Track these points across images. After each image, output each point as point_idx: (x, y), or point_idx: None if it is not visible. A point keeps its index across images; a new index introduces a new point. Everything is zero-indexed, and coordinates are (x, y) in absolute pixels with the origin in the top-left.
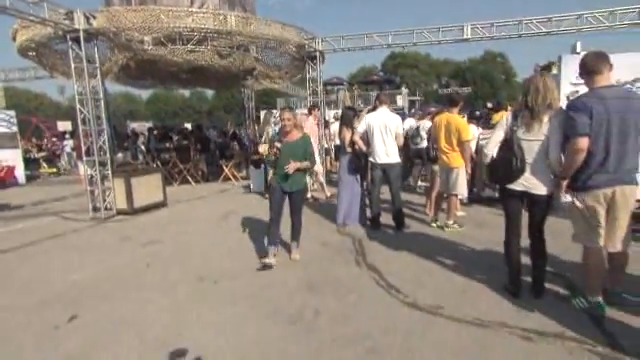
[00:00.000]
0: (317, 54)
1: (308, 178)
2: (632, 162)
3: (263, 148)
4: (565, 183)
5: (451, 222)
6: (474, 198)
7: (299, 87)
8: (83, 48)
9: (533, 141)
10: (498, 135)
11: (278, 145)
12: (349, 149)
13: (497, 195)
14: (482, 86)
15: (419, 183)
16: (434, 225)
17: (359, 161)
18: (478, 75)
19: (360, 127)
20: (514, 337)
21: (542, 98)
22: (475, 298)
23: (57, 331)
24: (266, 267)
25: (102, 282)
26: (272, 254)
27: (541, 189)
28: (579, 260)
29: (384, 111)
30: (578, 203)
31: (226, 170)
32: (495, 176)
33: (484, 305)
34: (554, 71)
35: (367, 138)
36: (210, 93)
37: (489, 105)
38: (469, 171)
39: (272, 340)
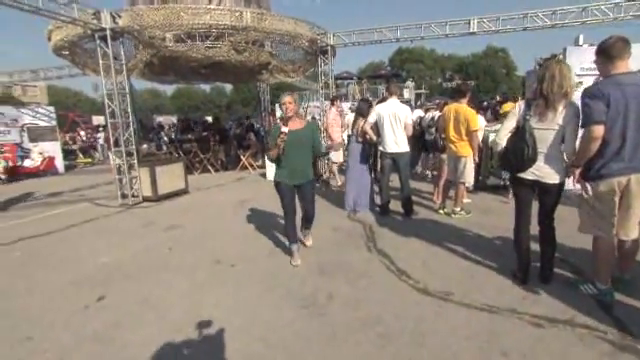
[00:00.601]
0: (328, 48)
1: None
2: None
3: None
4: (578, 172)
5: (458, 209)
6: (479, 186)
7: (311, 81)
8: (110, 46)
9: (546, 130)
10: (510, 123)
11: (285, 130)
12: (360, 139)
13: (502, 183)
14: (484, 80)
15: (427, 172)
16: (441, 212)
17: (369, 150)
18: (480, 69)
19: (370, 117)
20: (524, 323)
21: (558, 86)
22: (484, 284)
23: (87, 310)
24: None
25: (128, 264)
26: (296, 253)
27: (553, 178)
28: (583, 246)
29: (394, 101)
30: (589, 193)
31: (243, 159)
32: (507, 164)
33: (493, 291)
34: None
35: (377, 128)
36: (229, 88)
37: (498, 98)
38: (477, 160)
39: (286, 322)
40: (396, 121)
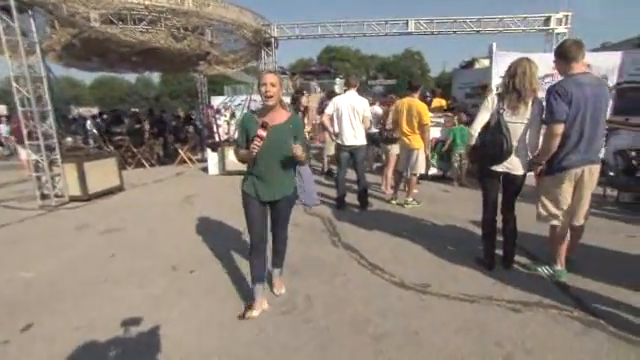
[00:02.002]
0: (272, 40)
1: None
2: (599, 143)
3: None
4: (540, 168)
5: (410, 199)
6: (422, 176)
7: (247, 74)
8: (16, 20)
9: (517, 124)
10: (484, 117)
11: (261, 132)
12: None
13: (442, 174)
14: (403, 79)
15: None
16: (393, 203)
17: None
18: (400, 70)
19: (328, 109)
20: (504, 309)
21: (529, 81)
22: (455, 273)
23: (7, 347)
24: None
25: (60, 279)
26: (260, 299)
27: (520, 169)
28: (536, 233)
29: (352, 94)
30: (550, 183)
31: (182, 153)
32: (484, 157)
33: (465, 280)
34: (477, 66)
35: (335, 120)
36: (157, 79)
37: (427, 94)
38: (427, 152)
39: (269, 335)
40: (354, 114)
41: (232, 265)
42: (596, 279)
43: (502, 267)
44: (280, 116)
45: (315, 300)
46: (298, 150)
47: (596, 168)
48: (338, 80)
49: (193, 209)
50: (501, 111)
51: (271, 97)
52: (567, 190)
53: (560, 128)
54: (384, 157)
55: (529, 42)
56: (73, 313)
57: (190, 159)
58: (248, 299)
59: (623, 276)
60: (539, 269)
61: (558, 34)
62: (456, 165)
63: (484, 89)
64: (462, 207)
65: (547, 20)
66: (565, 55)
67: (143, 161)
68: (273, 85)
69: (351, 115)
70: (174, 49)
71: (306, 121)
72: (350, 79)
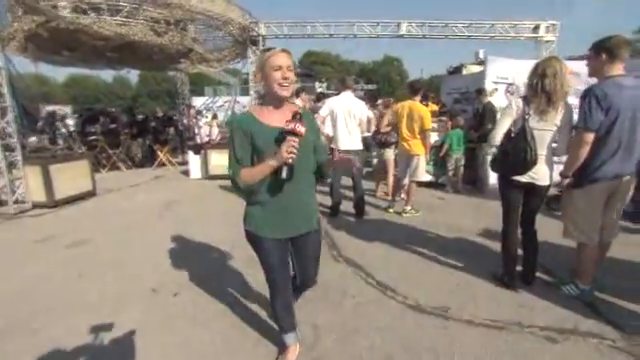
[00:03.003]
0: (260, 38)
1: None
2: (637, 152)
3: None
4: (567, 181)
5: (409, 208)
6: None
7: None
8: None
9: (545, 130)
10: (506, 122)
11: (301, 129)
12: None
13: (434, 180)
14: (383, 85)
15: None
16: (391, 211)
17: None
18: (380, 75)
19: (322, 111)
20: (539, 338)
21: (560, 83)
22: (473, 293)
23: None
24: None
25: (13, 306)
26: (294, 346)
27: (546, 180)
28: (552, 248)
29: (348, 96)
30: (582, 198)
31: (161, 155)
32: (504, 168)
33: (486, 300)
34: (464, 72)
35: (330, 124)
36: (134, 79)
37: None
38: (428, 158)
39: None
40: (350, 117)
41: (223, 286)
42: (624, 297)
43: (521, 284)
44: (289, 111)
45: (323, 331)
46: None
47: (632, 180)
48: (318, 84)
49: (174, 217)
50: (527, 117)
51: (287, 87)
52: (600, 204)
53: (591, 137)
54: (374, 162)
55: (517, 49)
56: (28, 350)
57: (170, 162)
58: (246, 330)
59: None
60: (564, 288)
61: (547, 42)
62: (452, 171)
63: (480, 93)
64: (463, 215)
65: (536, 28)
66: (613, 51)
67: (119, 163)
68: (290, 69)
69: (347, 118)
70: (154, 44)
71: None
72: (346, 80)
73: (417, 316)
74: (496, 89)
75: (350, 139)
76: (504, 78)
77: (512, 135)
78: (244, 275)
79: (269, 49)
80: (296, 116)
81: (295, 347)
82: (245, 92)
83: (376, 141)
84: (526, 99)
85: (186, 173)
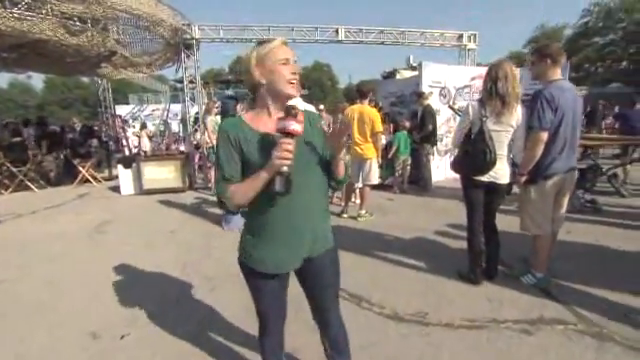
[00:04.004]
0: (194, 42)
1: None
2: (576, 148)
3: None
4: (524, 178)
5: (363, 212)
6: None
7: (157, 81)
8: None
9: (502, 132)
10: (464, 125)
11: (297, 127)
12: None
13: (380, 181)
14: (315, 90)
15: None
16: (345, 216)
17: None
18: (311, 80)
19: None
20: (515, 332)
21: (512, 86)
22: (444, 293)
23: None
24: None
25: None
26: None
27: (506, 179)
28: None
29: (297, 100)
30: (536, 193)
31: (83, 171)
32: (465, 168)
33: (459, 300)
34: (397, 76)
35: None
36: (40, 86)
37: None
38: (379, 161)
39: None
40: None
41: (182, 317)
42: (571, 279)
43: (485, 278)
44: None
45: (305, 355)
46: (340, 164)
47: (575, 174)
48: None
49: (108, 242)
50: (484, 119)
51: (296, 84)
52: (552, 198)
53: (545, 135)
54: None
55: (445, 56)
56: None
57: (95, 177)
58: None
59: (590, 273)
60: (523, 278)
61: (469, 50)
62: (399, 172)
63: (420, 96)
64: (415, 215)
65: (460, 37)
66: (554, 57)
67: (28, 183)
68: (295, 61)
69: None
70: (68, 45)
71: None
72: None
73: (398, 326)
74: (431, 92)
75: None
76: (438, 82)
77: (471, 137)
78: (204, 300)
79: (263, 41)
80: (290, 111)
81: None
82: (175, 99)
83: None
84: (482, 102)
85: (116, 189)
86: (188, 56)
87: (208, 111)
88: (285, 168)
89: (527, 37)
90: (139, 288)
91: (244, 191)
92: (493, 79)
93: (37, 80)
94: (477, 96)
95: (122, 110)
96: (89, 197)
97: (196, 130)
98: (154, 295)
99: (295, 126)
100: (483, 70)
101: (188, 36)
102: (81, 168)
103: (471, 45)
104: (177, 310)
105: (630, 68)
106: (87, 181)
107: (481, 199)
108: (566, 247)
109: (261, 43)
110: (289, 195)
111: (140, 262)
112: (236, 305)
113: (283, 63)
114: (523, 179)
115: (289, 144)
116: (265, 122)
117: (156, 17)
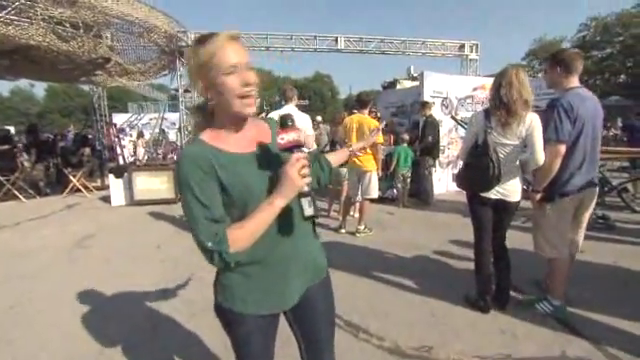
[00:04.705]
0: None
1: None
2: (597, 163)
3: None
4: (539, 196)
5: (362, 227)
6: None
7: (157, 89)
8: None
9: (508, 144)
10: (470, 137)
11: (304, 155)
12: None
13: (384, 194)
14: (315, 101)
15: None
16: (343, 232)
17: None
18: (312, 91)
19: None
20: None
21: (517, 92)
22: (450, 323)
23: None
24: None
25: None
26: None
27: (516, 196)
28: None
29: (291, 109)
30: (554, 212)
31: (74, 181)
32: (469, 184)
33: (467, 332)
34: (398, 86)
35: None
36: (42, 94)
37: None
38: (379, 173)
39: None
40: None
41: (154, 351)
42: (590, 308)
43: (497, 306)
44: (261, 131)
45: None
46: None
47: (596, 190)
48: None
49: (88, 258)
50: (488, 130)
51: (252, 97)
52: (569, 217)
53: (564, 148)
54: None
55: (446, 66)
56: None
57: (86, 187)
58: None
59: (613, 301)
60: (538, 306)
61: (471, 60)
62: (400, 186)
63: (424, 106)
64: (416, 231)
65: (462, 47)
66: (568, 65)
67: (15, 192)
68: (249, 67)
69: None
70: (60, 51)
71: None
72: (287, 91)
73: None
74: (433, 103)
75: None
76: (439, 92)
77: (475, 150)
78: (183, 327)
79: (203, 39)
80: (286, 121)
81: None
82: (174, 108)
83: None
84: (487, 112)
85: (107, 200)
86: (184, 64)
87: None
88: (307, 188)
89: (525, 50)
90: (113, 314)
91: (252, 231)
92: (496, 87)
93: (39, 88)
94: (479, 107)
95: (119, 118)
96: (78, 208)
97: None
98: (129, 322)
99: (292, 135)
100: (486, 80)
101: (184, 44)
102: (72, 177)
103: (473, 55)
104: (152, 342)
105: (629, 81)
106: (78, 191)
107: (489, 217)
108: (582, 269)
109: (200, 42)
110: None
111: (119, 282)
112: (216, 335)
113: (229, 72)
114: (538, 196)
115: (304, 158)
116: (237, 140)
117: (150, 23)
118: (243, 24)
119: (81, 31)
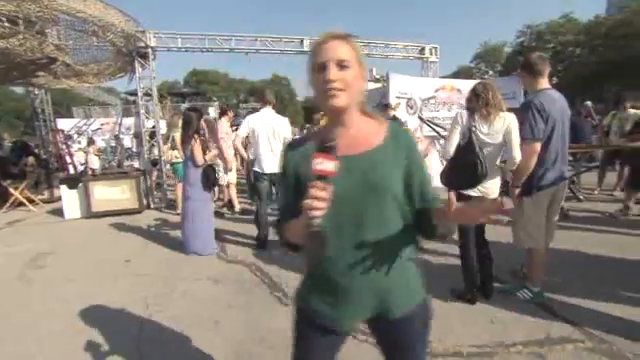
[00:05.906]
0: (149, 51)
1: None
2: (567, 159)
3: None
4: (517, 191)
5: None
6: None
7: (106, 93)
8: None
9: (490, 142)
10: (455, 136)
11: (323, 166)
12: (201, 161)
13: None
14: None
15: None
16: None
17: (213, 175)
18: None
19: (241, 131)
20: (528, 357)
21: (492, 95)
22: (443, 317)
23: None
24: None
25: None
26: None
27: (495, 192)
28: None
29: (269, 113)
30: (531, 206)
31: (16, 193)
32: (456, 181)
33: (460, 325)
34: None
35: (250, 144)
36: None
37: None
38: None
39: None
40: (274, 136)
41: None
42: (566, 293)
43: (482, 297)
44: (365, 132)
45: None
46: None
47: (566, 184)
48: (215, 103)
49: (45, 279)
50: (473, 129)
51: (337, 93)
52: (545, 210)
53: (539, 146)
54: None
55: (406, 68)
56: None
57: (31, 200)
58: None
59: (581, 284)
60: (519, 294)
61: (431, 62)
62: None
63: (386, 107)
64: None
65: (422, 50)
66: (531, 68)
67: None
68: (344, 65)
69: (270, 138)
70: None
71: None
72: (266, 95)
73: None
74: (399, 103)
75: (275, 162)
76: (404, 93)
77: (460, 147)
78: (171, 352)
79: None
80: (325, 145)
81: None
82: (126, 112)
83: None
84: (471, 110)
85: (58, 213)
86: (142, 66)
87: (174, 125)
88: (316, 226)
89: (472, 53)
90: (89, 341)
91: (291, 234)
92: (476, 93)
93: None
94: (441, 107)
95: (65, 124)
96: (23, 224)
97: (153, 145)
98: (111, 348)
99: (328, 165)
100: (446, 82)
101: (142, 44)
102: (13, 190)
103: (432, 58)
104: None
105: (560, 84)
106: (21, 204)
107: None
108: (549, 256)
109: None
110: (344, 238)
111: (89, 303)
112: (212, 353)
113: (319, 69)
114: (517, 191)
115: (323, 189)
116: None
117: (105, 21)
118: (210, 25)
119: (21, 27)
